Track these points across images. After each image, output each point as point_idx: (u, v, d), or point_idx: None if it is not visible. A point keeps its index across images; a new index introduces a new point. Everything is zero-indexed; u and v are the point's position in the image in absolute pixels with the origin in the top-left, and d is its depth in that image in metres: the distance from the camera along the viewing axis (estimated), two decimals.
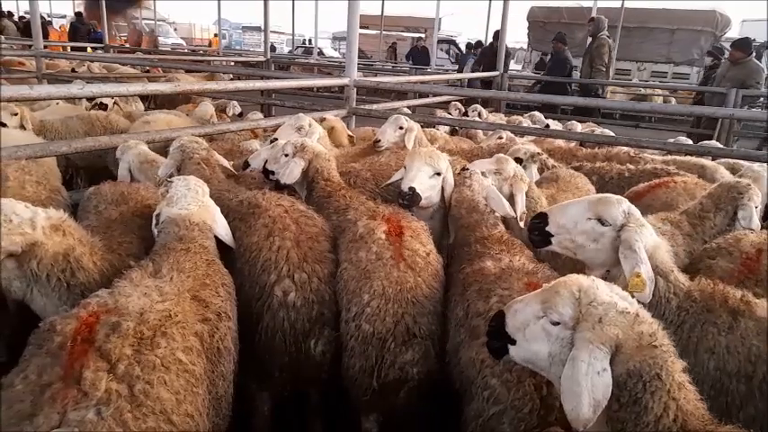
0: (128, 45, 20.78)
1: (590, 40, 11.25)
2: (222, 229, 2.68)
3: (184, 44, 29.97)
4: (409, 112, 7.81)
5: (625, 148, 5.46)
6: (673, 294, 2.14)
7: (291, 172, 3.16)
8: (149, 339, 1.66)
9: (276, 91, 11.94)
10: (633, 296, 2.00)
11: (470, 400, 2.09)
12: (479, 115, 7.97)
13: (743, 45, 8.95)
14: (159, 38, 23.25)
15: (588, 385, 1.43)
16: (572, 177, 4.22)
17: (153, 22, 27.12)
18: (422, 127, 7.22)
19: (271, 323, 2.52)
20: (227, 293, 2.24)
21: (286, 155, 3.25)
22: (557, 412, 1.80)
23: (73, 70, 10.99)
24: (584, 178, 4.28)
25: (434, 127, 7.24)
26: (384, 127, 4.60)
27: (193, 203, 2.60)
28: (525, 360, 1.67)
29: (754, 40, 21.58)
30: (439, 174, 3.00)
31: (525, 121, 7.19)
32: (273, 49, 20.46)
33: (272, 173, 3.32)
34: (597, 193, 4.14)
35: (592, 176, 4.43)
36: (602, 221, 2.16)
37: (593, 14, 16.38)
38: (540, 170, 4.62)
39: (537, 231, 2.28)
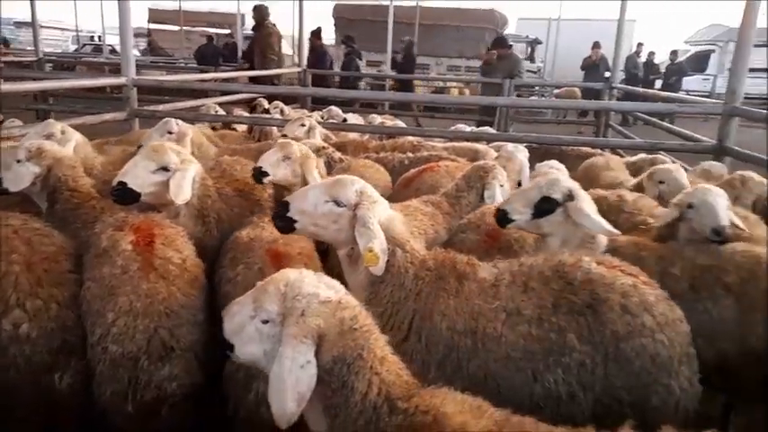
0: None
1: (256, 28, 10.39)
2: None
3: None
4: (221, 111, 7.38)
5: (410, 138, 5.86)
6: (410, 263, 2.27)
7: (21, 178, 2.81)
8: None
9: (54, 95, 10.60)
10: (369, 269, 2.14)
11: None
12: (281, 112, 7.91)
13: (501, 43, 10.13)
14: None
15: (292, 380, 1.45)
16: (364, 167, 4.36)
17: None
18: (219, 127, 7.00)
19: (2, 361, 2.20)
20: None
21: (18, 161, 2.85)
22: None
23: None
24: (376, 167, 4.44)
25: (229, 126, 7.01)
26: (151, 131, 4.29)
27: None
28: (248, 362, 1.66)
29: (527, 36, 24.89)
30: (166, 169, 2.81)
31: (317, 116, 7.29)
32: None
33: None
34: (390, 180, 4.39)
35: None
36: (337, 203, 2.22)
37: (391, 13, 17.25)
38: (327, 164, 4.72)
39: (280, 218, 2.26)
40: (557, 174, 2.73)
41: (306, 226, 2.26)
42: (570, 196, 2.61)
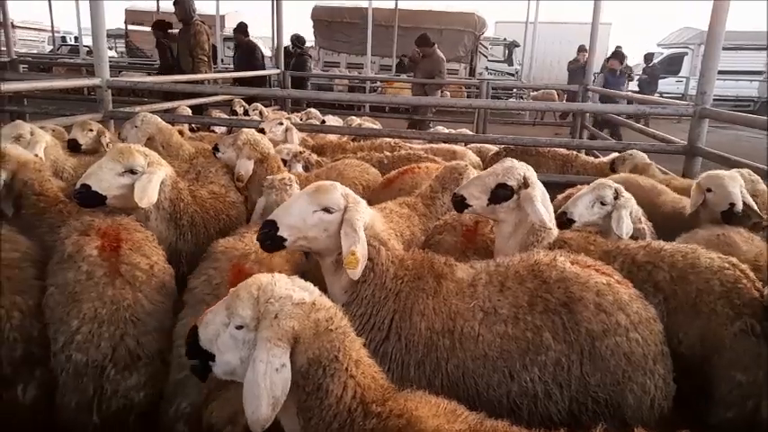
0: None
1: (182, 27, 8.88)
2: None
3: None
4: (189, 111, 7.37)
5: (387, 139, 5.87)
6: (391, 263, 2.24)
7: None
8: None
9: (29, 96, 10.38)
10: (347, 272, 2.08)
11: None
12: (260, 114, 7.86)
13: (425, 41, 9.83)
14: None
15: (267, 385, 1.41)
16: (349, 167, 4.33)
17: None
18: (197, 128, 6.94)
19: None
20: None
21: None
22: None
23: None
24: (364, 167, 4.38)
25: (208, 128, 6.95)
26: (125, 130, 4.23)
27: None
28: (227, 373, 1.60)
29: (505, 39, 25.06)
30: (133, 172, 2.73)
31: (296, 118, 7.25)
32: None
33: None
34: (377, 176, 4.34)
35: None
36: (328, 210, 2.14)
37: (370, 15, 17.11)
38: (305, 168, 4.69)
39: (269, 240, 2.13)
40: (513, 161, 2.75)
41: (296, 240, 2.14)
42: (525, 183, 2.65)
